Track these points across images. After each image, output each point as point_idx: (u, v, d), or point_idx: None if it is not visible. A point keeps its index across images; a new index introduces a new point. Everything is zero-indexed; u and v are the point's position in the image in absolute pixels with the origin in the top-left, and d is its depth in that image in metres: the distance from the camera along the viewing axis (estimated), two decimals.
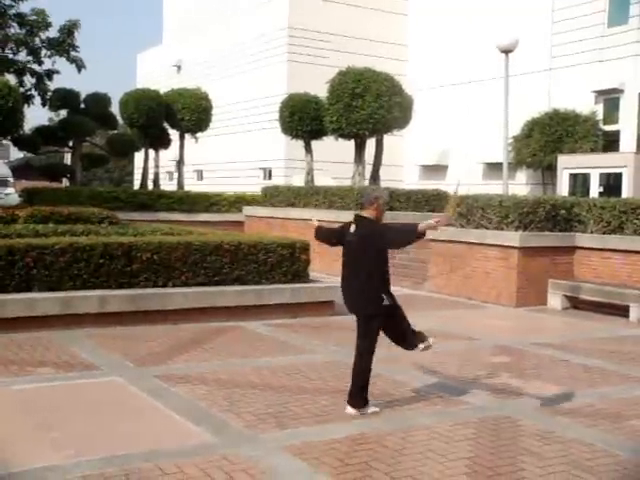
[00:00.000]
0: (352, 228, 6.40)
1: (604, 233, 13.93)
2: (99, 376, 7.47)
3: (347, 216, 18.16)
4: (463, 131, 29.94)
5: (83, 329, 9.66)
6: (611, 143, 24.25)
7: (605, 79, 24.43)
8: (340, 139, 22.06)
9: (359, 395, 6.35)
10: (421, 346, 6.60)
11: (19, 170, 45.53)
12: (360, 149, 21.51)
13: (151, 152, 27.77)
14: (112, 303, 10.01)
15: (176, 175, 29.12)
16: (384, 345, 9.59)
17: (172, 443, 5.53)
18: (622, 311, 12.55)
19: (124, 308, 10.10)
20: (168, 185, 35.90)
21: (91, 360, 8.11)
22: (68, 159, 33.54)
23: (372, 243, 6.26)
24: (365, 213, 6.40)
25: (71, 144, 28.24)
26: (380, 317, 6.35)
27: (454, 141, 30.44)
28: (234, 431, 5.88)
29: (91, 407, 6.42)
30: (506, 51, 17.86)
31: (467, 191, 15.76)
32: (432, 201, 19.90)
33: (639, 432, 6.18)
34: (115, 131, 30.06)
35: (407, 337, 6.62)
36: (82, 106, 28.29)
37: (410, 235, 6.25)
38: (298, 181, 27.13)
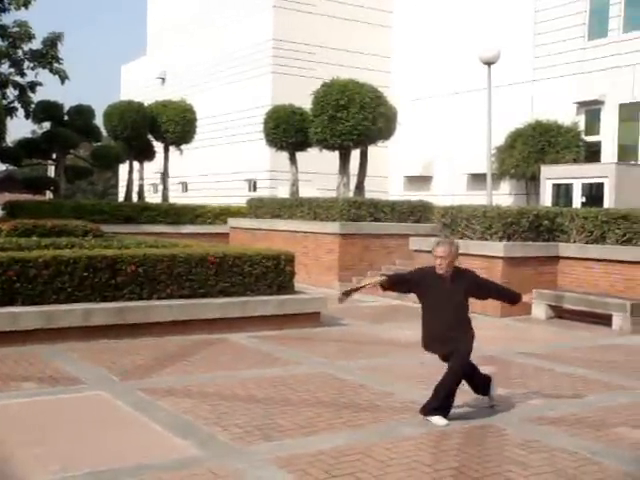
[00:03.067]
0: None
1: (587, 243, 14.05)
2: (84, 390, 7.43)
3: (332, 227, 18.34)
4: (447, 142, 30.10)
5: (67, 343, 9.61)
6: (593, 154, 24.47)
7: (586, 91, 24.69)
8: (325, 150, 22.13)
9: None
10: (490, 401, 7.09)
11: (2, 183, 45.12)
12: (345, 160, 21.58)
13: (135, 164, 27.73)
14: (96, 316, 9.97)
15: (161, 187, 29.08)
16: (367, 356, 9.62)
17: (158, 457, 5.51)
18: (605, 320, 12.64)
19: (109, 321, 10.05)
20: (153, 197, 35.81)
21: (75, 374, 8.06)
22: (52, 172, 33.40)
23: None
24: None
25: (55, 156, 28.16)
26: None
27: (438, 152, 30.60)
28: (220, 444, 5.86)
29: (76, 422, 6.39)
30: (489, 63, 18.04)
31: (451, 202, 15.85)
32: (417, 212, 19.97)
33: (622, 439, 6.22)
34: (99, 143, 29.98)
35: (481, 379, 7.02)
36: (66, 118, 28.23)
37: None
38: (283, 192, 27.18)
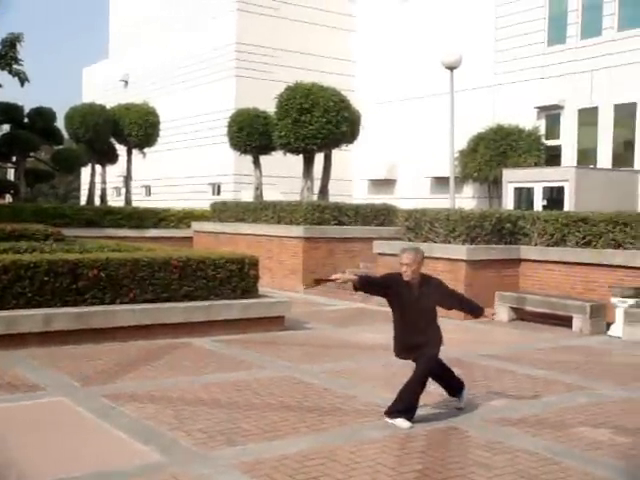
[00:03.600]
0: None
1: (548, 246, 14.25)
2: (44, 397, 7.31)
3: (296, 231, 18.34)
4: (411, 146, 30.31)
5: (27, 349, 9.45)
6: (553, 157, 24.85)
7: (546, 96, 25.07)
8: (289, 154, 22.13)
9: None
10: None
11: None
12: (309, 164, 21.61)
13: (98, 168, 27.43)
14: (57, 321, 9.83)
15: (124, 191, 28.81)
16: (331, 359, 9.63)
17: (119, 464, 5.45)
18: (566, 322, 12.83)
19: (70, 326, 9.92)
20: (116, 201, 35.44)
21: (36, 381, 7.93)
22: (11, 175, 32.85)
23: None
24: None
25: (15, 159, 27.71)
26: None
27: (402, 156, 30.79)
28: (183, 449, 5.82)
29: (36, 429, 6.29)
30: (451, 67, 18.20)
31: (415, 205, 15.96)
32: (380, 215, 20.07)
33: (582, 439, 6.32)
34: (61, 146, 29.59)
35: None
36: (26, 121, 27.80)
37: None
38: (247, 196, 27.11)
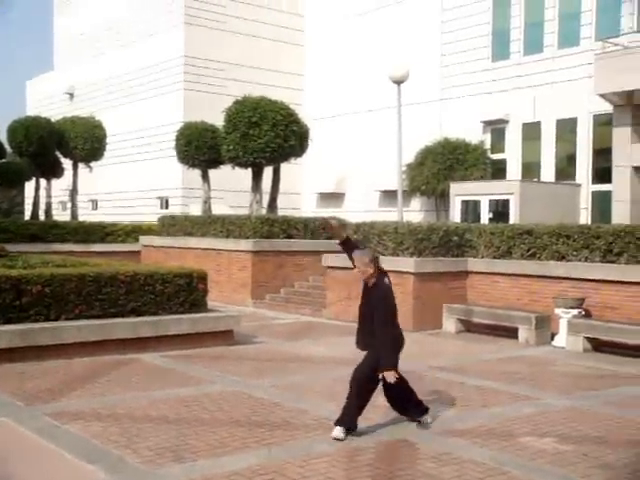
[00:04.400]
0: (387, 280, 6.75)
1: (494, 258, 14.48)
2: None
3: (245, 244, 18.28)
4: (360, 159, 30.55)
5: None
6: (499, 171, 25.33)
7: (491, 110, 25.56)
8: (237, 168, 22.07)
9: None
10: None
11: None
12: (257, 177, 21.58)
13: (42, 181, 26.94)
14: (0, 339, 9.59)
15: (69, 205, 28.33)
16: (281, 374, 9.61)
17: None
18: (511, 333, 13.04)
19: (13, 344, 9.70)
20: (61, 215, 34.81)
21: None
22: None
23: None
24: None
25: None
26: None
27: (351, 169, 31.01)
28: (130, 468, 5.73)
29: None
30: (398, 82, 18.41)
31: (364, 218, 16.07)
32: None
33: (528, 448, 6.42)
34: (3, 160, 28.95)
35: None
36: None
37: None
38: (195, 210, 26.93)
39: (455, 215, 22.48)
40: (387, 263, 14.32)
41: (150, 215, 29.55)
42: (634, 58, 19.09)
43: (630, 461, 6.12)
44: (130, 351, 10.55)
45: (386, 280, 6.72)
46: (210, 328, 11.55)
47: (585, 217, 22.56)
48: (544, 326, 12.82)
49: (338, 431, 6.53)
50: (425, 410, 7.11)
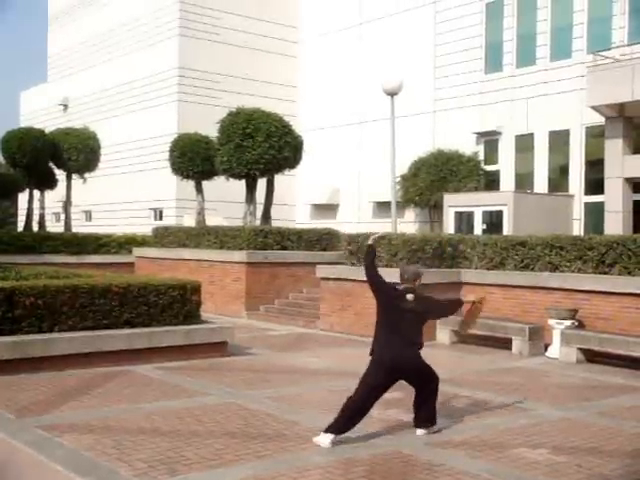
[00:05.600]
0: (409, 297, 7.03)
1: (488, 269, 14.51)
2: None
3: (239, 256, 18.28)
4: (353, 170, 30.62)
5: None
6: (492, 182, 25.40)
7: (485, 122, 25.67)
8: (231, 179, 22.09)
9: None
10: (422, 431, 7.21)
11: None
12: (251, 189, 21.59)
13: (36, 193, 26.88)
14: None
15: (63, 216, 28.28)
16: (275, 385, 9.59)
17: None
18: (505, 344, 13.05)
19: (5, 356, 9.65)
20: (55, 227, 34.75)
21: None
22: None
23: (427, 317, 7.36)
24: (412, 286, 7.17)
25: None
26: None
27: (345, 180, 31.07)
28: None
29: None
30: (391, 93, 18.49)
31: (357, 229, 16.08)
32: (323, 240, 20.15)
33: (522, 460, 6.42)
34: None
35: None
36: None
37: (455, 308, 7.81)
38: (189, 221, 26.92)
39: (449, 226, 22.52)
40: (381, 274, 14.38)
41: (144, 226, 29.50)
42: (625, 71, 19.23)
43: (624, 471, 6.12)
44: (123, 363, 10.52)
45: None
46: (204, 340, 11.52)
47: (578, 228, 22.63)
48: (538, 337, 12.84)
49: (325, 437, 6.62)
50: (431, 425, 7.19)
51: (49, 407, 8.00)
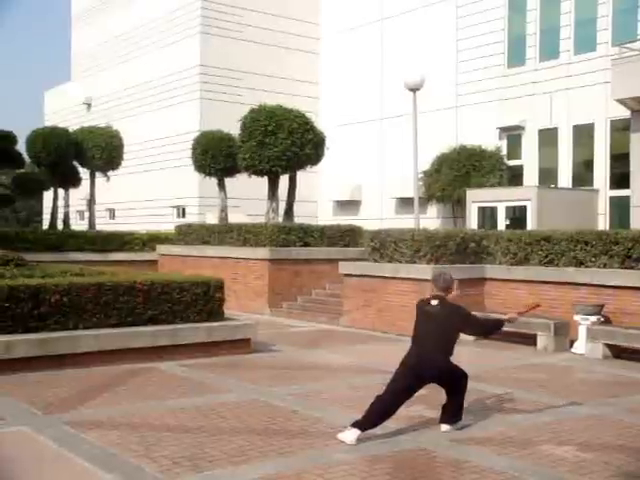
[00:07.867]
0: (434, 302, 7.15)
1: (511, 264, 14.39)
2: (3, 427, 7.14)
3: (262, 253, 18.30)
4: (376, 167, 30.54)
5: None
6: (515, 177, 25.21)
7: (508, 116, 25.47)
8: (253, 176, 22.11)
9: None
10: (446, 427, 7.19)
11: None
12: (273, 186, 21.60)
13: (60, 191, 27.13)
14: (18, 348, 9.65)
15: (87, 214, 28.51)
16: (298, 382, 9.59)
17: None
18: (530, 340, 12.94)
19: (31, 353, 9.75)
20: (79, 225, 35.06)
21: None
22: None
23: (453, 323, 7.20)
24: (442, 294, 7.19)
25: None
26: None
27: (367, 177, 31.00)
28: (148, 477, 5.72)
29: None
30: (414, 89, 18.41)
31: (380, 225, 16.02)
32: (346, 236, 20.12)
33: (547, 457, 6.36)
34: (22, 170, 29.19)
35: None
36: None
37: (493, 329, 8.00)
38: (212, 219, 27.00)
39: (472, 222, 22.38)
40: (404, 271, 14.36)
41: (167, 224, 29.67)
42: None
43: None
44: (147, 360, 10.57)
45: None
46: (227, 337, 11.55)
47: (603, 223, 22.39)
48: (563, 333, 12.72)
49: (351, 432, 6.61)
50: (456, 420, 7.17)
51: (75, 403, 8.06)
